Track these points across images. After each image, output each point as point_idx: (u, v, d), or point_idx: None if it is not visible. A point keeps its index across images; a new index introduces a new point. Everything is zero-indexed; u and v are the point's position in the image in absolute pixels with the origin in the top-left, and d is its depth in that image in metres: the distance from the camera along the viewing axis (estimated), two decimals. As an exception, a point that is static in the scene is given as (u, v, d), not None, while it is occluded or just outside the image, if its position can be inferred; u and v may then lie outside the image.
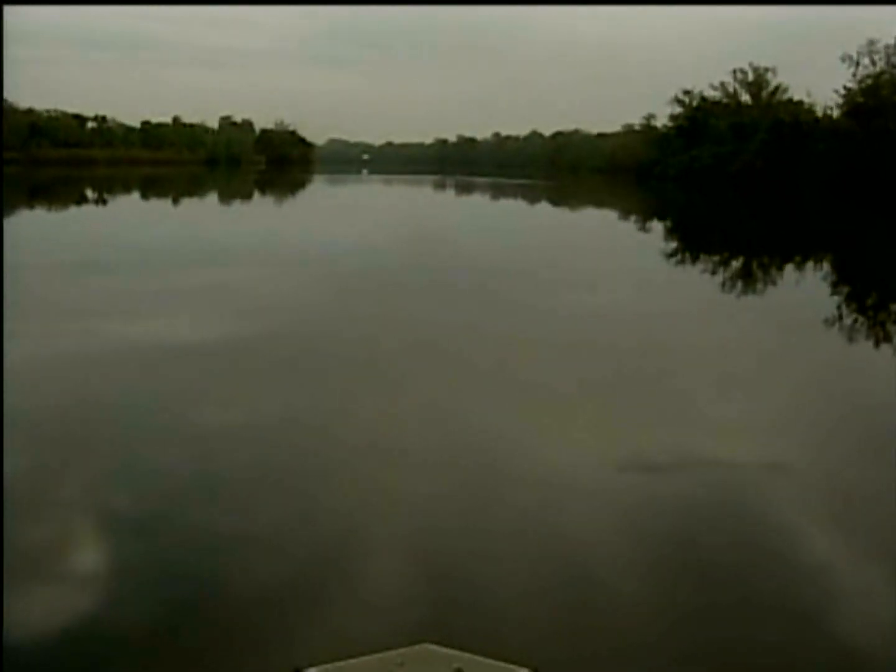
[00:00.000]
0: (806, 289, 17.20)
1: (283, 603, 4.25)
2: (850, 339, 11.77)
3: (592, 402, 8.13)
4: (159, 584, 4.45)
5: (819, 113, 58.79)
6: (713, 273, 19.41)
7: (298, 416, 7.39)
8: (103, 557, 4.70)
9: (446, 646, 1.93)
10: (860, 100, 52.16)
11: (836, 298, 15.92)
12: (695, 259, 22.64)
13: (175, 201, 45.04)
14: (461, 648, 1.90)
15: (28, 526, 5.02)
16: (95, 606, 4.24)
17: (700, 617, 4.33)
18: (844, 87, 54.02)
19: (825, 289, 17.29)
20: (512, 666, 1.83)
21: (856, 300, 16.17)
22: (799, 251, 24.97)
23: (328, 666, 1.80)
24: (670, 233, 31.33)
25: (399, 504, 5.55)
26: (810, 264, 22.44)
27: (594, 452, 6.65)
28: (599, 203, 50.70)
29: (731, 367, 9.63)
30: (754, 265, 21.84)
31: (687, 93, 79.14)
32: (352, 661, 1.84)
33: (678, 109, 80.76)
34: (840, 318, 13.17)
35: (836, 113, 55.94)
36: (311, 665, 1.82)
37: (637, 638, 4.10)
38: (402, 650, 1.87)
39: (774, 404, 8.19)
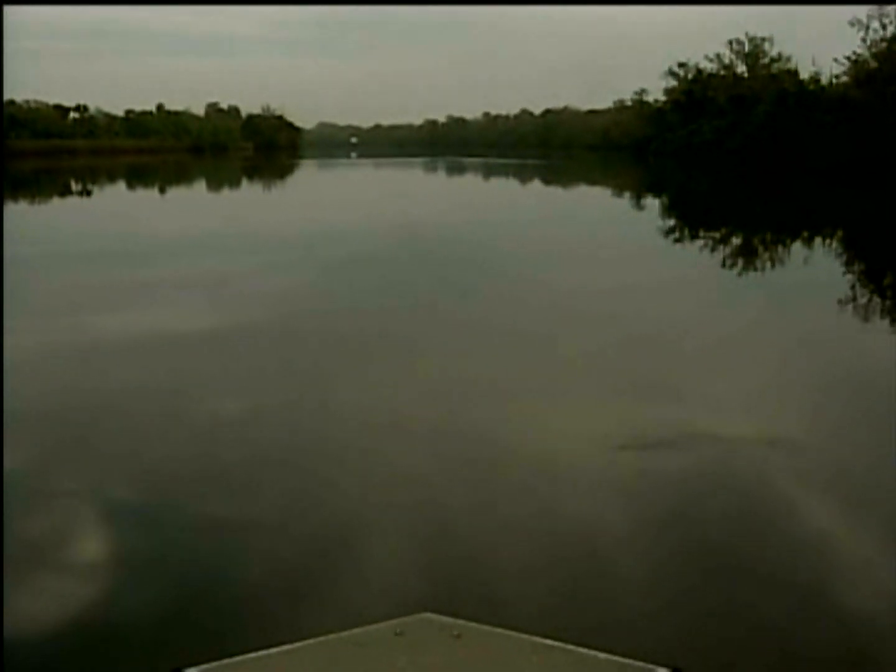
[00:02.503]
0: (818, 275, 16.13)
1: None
2: (866, 320, 11.01)
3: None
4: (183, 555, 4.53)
5: (824, 82, 56.16)
6: (712, 250, 18.44)
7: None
8: (138, 534, 4.76)
9: (446, 614, 1.90)
10: (873, 65, 49.43)
11: (849, 278, 14.93)
12: (693, 237, 21.54)
13: (162, 191, 43.90)
14: (460, 617, 1.87)
15: (42, 512, 5.00)
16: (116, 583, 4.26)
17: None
18: (854, 53, 51.15)
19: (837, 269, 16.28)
20: (506, 630, 1.83)
21: (870, 281, 15.16)
22: (808, 229, 23.90)
23: (331, 636, 1.80)
24: (668, 210, 30.39)
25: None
26: (820, 243, 21.36)
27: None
28: (595, 182, 49.42)
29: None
30: (756, 242, 20.84)
31: (682, 65, 77.42)
32: (351, 631, 1.83)
33: (672, 83, 79.08)
34: (854, 298, 12.28)
35: (841, 82, 53.18)
36: (313, 635, 1.83)
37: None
38: (401, 619, 1.86)
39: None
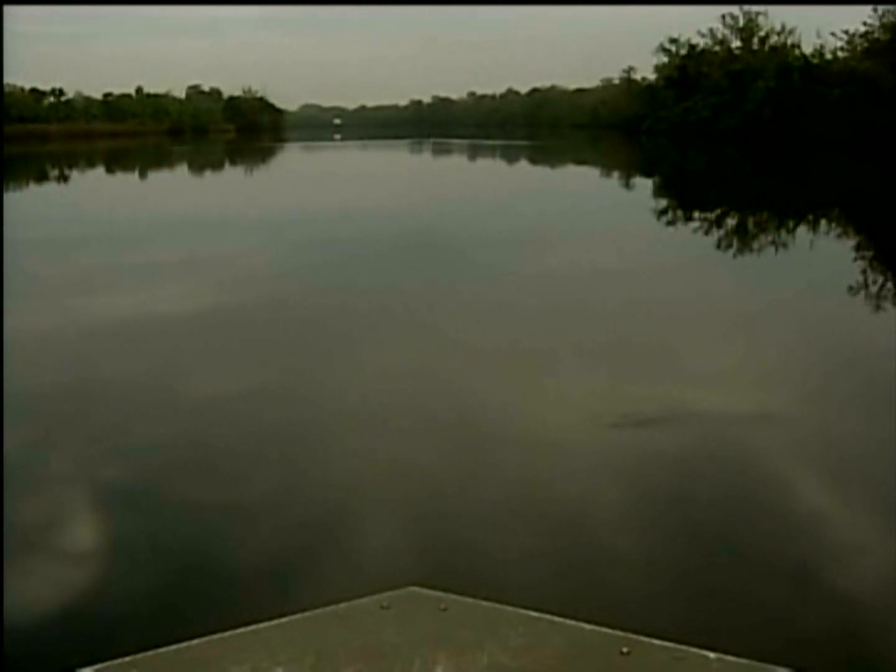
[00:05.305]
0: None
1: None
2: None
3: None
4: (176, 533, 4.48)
5: (828, 55, 53.91)
6: (707, 233, 17.62)
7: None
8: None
9: (433, 588, 1.91)
10: (884, 37, 47.20)
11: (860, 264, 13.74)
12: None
13: (142, 174, 42.62)
14: (447, 591, 1.88)
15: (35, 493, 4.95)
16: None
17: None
18: (865, 24, 48.93)
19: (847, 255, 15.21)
20: (493, 603, 1.84)
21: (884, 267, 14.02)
22: (815, 211, 22.54)
23: (316, 611, 1.80)
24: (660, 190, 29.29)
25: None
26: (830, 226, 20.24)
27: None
28: (587, 161, 47.88)
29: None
30: (751, 223, 20.06)
31: (673, 41, 75.40)
32: (337, 605, 1.81)
33: (664, 59, 77.07)
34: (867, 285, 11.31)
35: (844, 56, 51.05)
36: (306, 609, 1.83)
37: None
38: (387, 594, 1.86)
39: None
